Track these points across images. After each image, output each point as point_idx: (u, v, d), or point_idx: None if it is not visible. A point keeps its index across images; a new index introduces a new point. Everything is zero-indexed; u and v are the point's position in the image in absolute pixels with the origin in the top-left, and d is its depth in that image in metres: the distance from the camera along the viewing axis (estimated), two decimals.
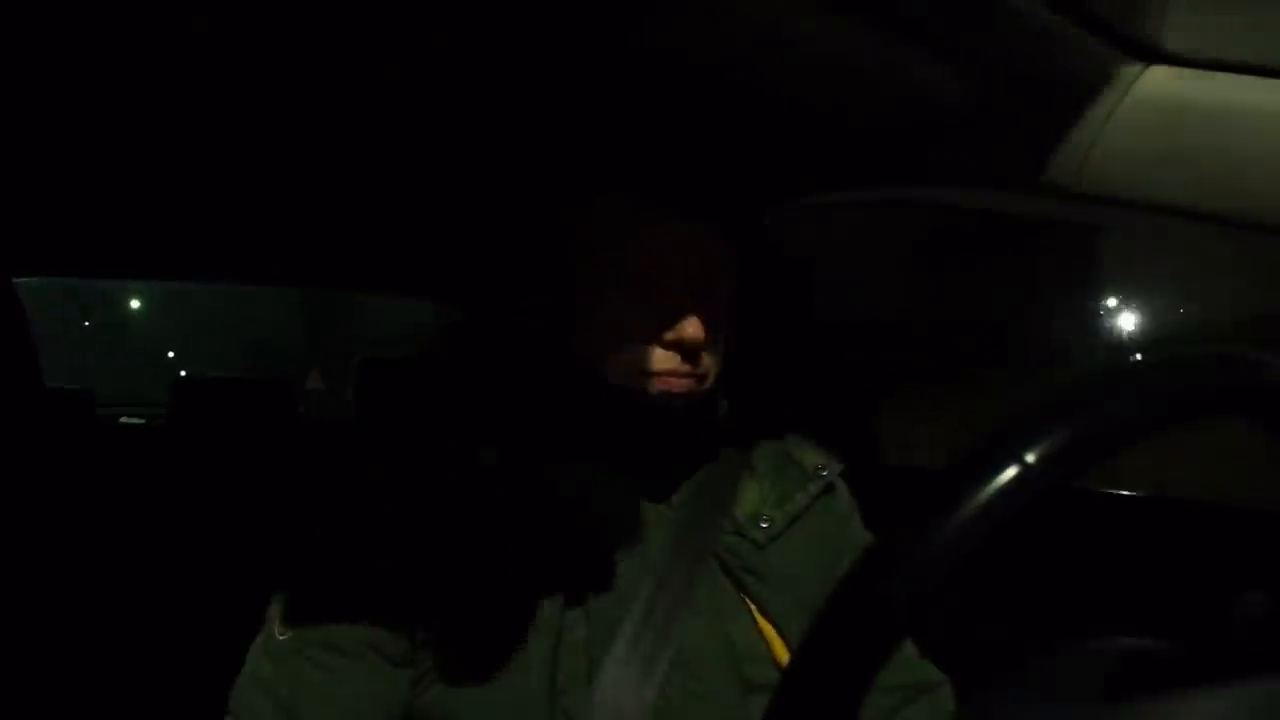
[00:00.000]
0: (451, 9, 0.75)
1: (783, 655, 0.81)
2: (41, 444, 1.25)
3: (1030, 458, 0.39)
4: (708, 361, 0.84)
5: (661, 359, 0.82)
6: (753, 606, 0.83)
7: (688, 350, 0.81)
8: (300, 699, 0.75)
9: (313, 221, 1.57)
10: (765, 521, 0.86)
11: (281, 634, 0.78)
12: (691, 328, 0.80)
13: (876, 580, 0.37)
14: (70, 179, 1.31)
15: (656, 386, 0.82)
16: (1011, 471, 0.39)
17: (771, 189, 1.23)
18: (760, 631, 0.82)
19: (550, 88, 0.93)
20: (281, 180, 1.33)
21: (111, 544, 1.27)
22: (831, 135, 1.00)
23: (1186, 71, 0.67)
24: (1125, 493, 1.24)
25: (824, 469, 0.94)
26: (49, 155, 1.21)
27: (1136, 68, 0.69)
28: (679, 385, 0.82)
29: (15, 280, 1.31)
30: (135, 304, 17.06)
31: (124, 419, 2.88)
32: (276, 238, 1.68)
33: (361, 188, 1.36)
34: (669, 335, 0.81)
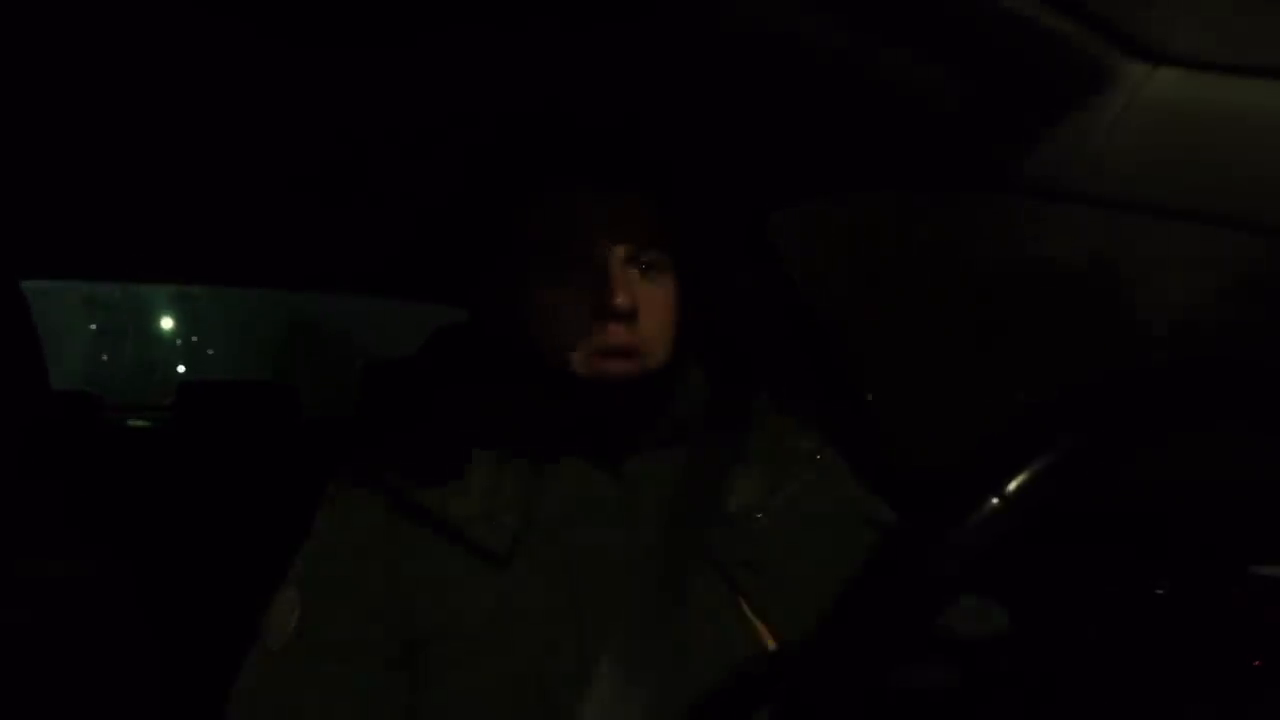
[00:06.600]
0: (437, 11, 0.74)
1: None
2: (47, 446, 1.25)
3: (1034, 463, 0.39)
4: (649, 333, 0.81)
5: (596, 334, 0.79)
6: (746, 602, 0.81)
7: (623, 321, 0.78)
8: (296, 709, 0.74)
9: (298, 224, 1.56)
10: (759, 513, 0.84)
11: (274, 644, 0.77)
12: (621, 296, 0.77)
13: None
14: (74, 182, 1.32)
15: (594, 366, 0.79)
16: (1018, 474, 0.39)
17: (771, 190, 1.23)
18: (755, 628, 0.80)
19: (536, 89, 0.92)
20: (269, 182, 1.32)
21: (116, 545, 1.27)
22: (831, 136, 1.00)
23: (1193, 74, 0.67)
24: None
25: (818, 453, 0.92)
26: (53, 158, 1.21)
27: (1143, 69, 0.68)
28: (618, 365, 0.80)
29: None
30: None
31: (131, 422, 2.88)
32: (258, 239, 1.67)
33: (355, 190, 1.35)
34: (600, 306, 0.78)
